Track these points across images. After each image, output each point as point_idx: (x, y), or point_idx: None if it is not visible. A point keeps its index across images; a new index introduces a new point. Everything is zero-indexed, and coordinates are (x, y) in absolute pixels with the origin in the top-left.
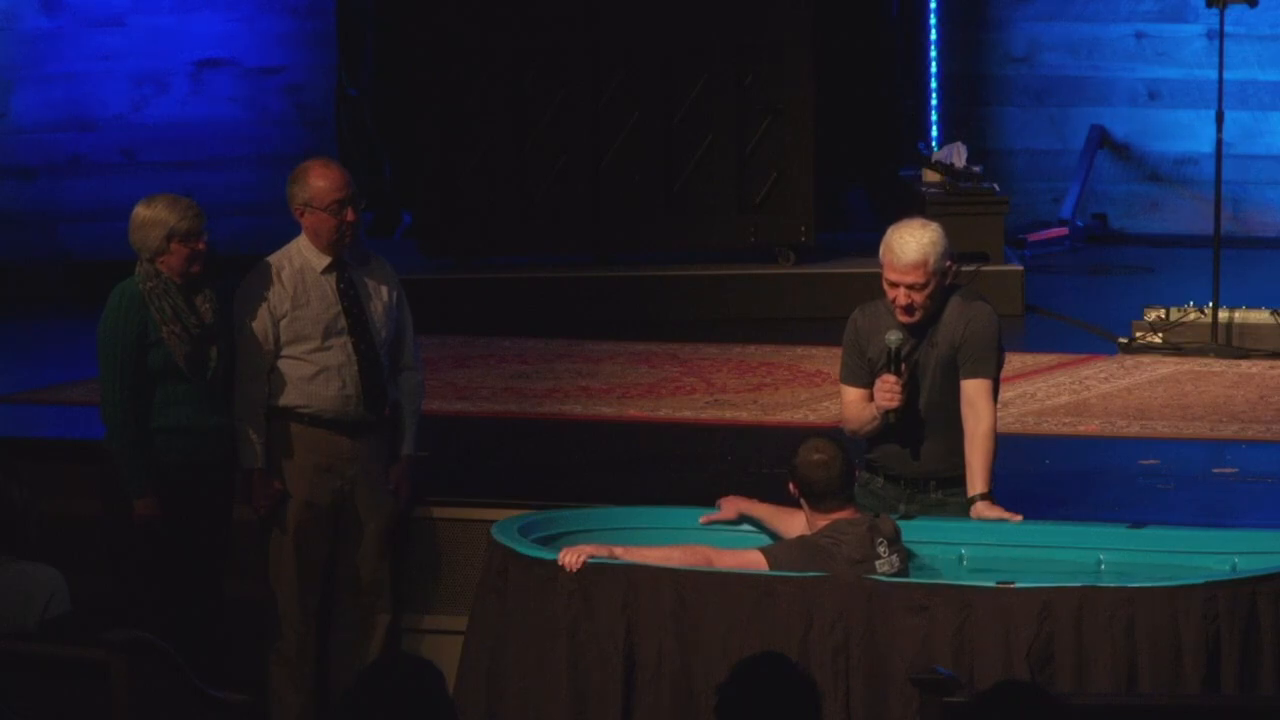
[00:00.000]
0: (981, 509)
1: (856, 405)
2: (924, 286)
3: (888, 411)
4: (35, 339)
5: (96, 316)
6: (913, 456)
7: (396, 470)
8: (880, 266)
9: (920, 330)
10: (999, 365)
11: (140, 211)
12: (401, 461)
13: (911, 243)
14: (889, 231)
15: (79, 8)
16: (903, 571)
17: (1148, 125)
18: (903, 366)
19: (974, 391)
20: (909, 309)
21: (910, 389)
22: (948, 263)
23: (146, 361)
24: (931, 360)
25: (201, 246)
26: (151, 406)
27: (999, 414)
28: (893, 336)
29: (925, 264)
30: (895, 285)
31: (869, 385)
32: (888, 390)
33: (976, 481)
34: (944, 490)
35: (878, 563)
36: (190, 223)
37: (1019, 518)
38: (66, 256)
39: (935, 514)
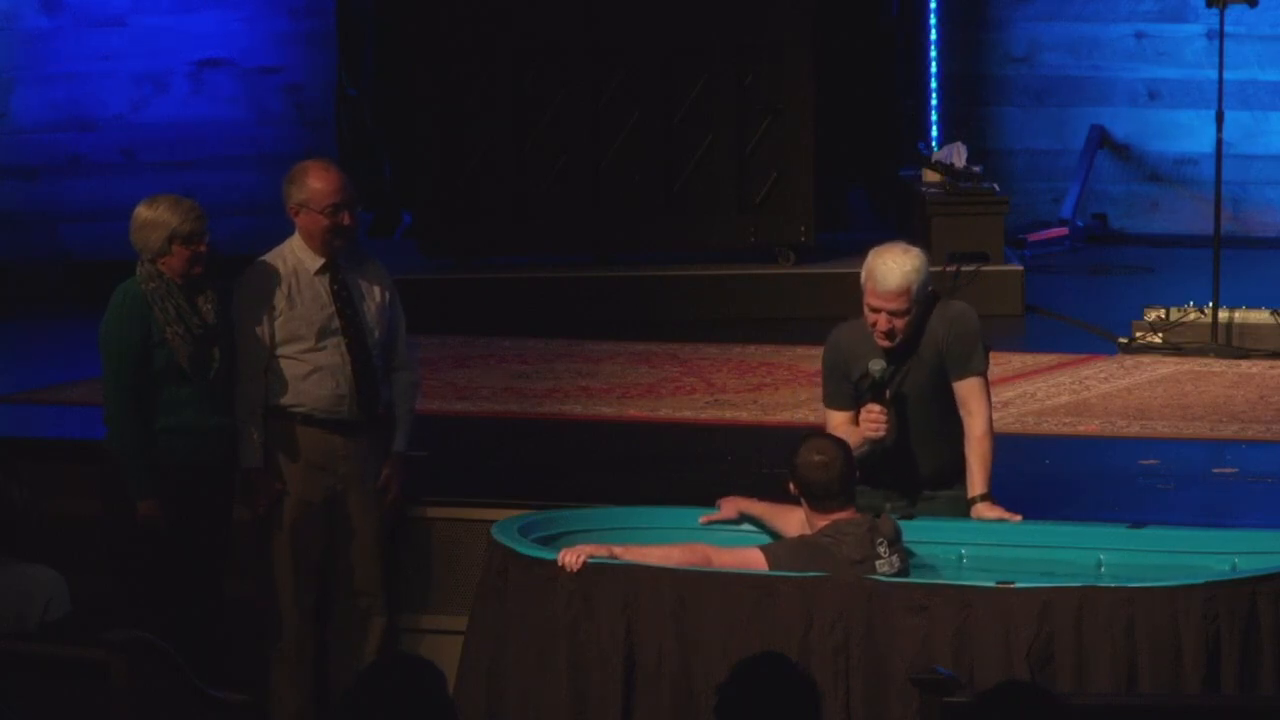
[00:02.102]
0: (982, 509)
1: (842, 430)
2: (905, 313)
3: (876, 441)
4: (35, 339)
5: (96, 316)
6: (905, 473)
7: (386, 468)
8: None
9: (904, 351)
10: (987, 360)
11: (142, 212)
12: (392, 459)
13: (895, 269)
14: (871, 256)
15: (79, 8)
16: (903, 572)
17: (1148, 125)
18: (887, 394)
19: (967, 392)
20: (889, 334)
21: (898, 412)
22: (930, 287)
23: (150, 362)
24: (919, 377)
25: (203, 249)
26: (154, 407)
27: (998, 414)
28: (876, 365)
29: (908, 291)
30: (877, 310)
31: (854, 408)
32: (874, 420)
33: (976, 483)
34: (932, 489)
35: (878, 563)
36: (192, 225)
37: (1019, 518)
38: (66, 256)
39: (925, 508)
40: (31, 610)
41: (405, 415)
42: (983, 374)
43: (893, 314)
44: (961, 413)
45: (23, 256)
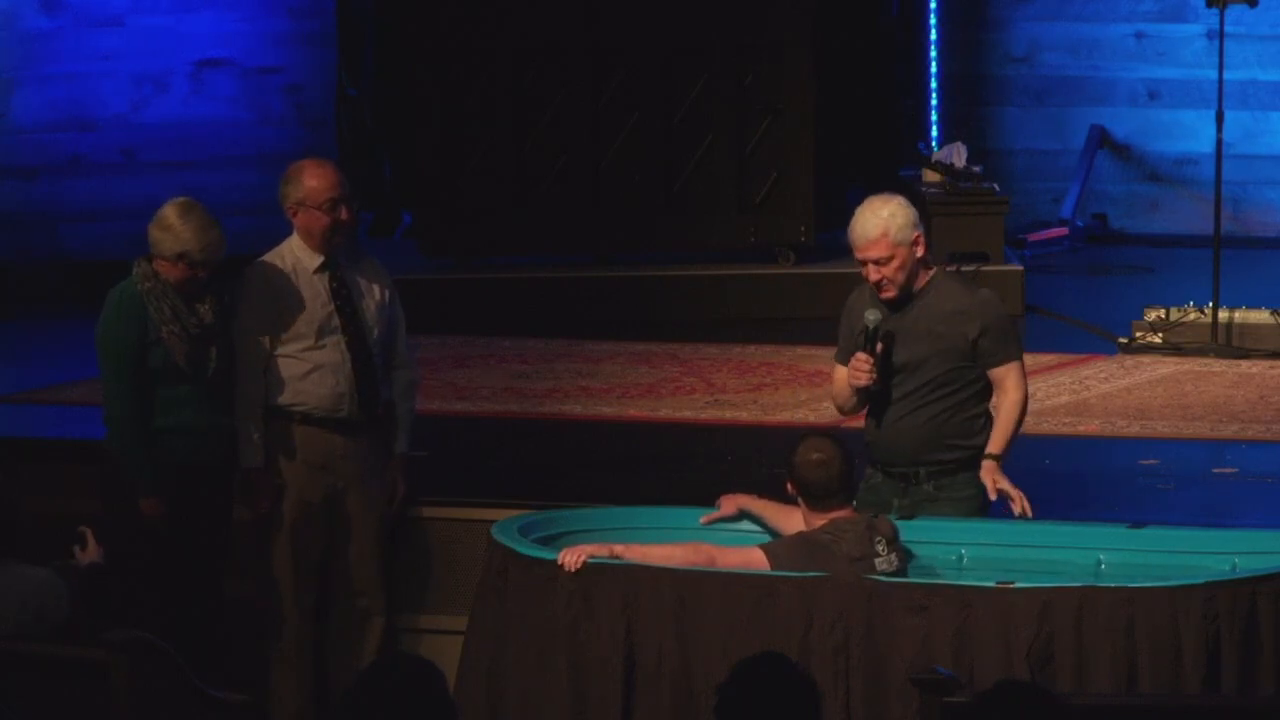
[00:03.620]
0: (988, 468)
1: (841, 382)
2: (889, 260)
3: (859, 389)
4: (35, 339)
5: (96, 317)
6: (897, 438)
7: (390, 468)
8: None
9: (909, 313)
10: (1020, 344)
11: (170, 216)
12: (395, 460)
13: (871, 219)
14: (855, 211)
15: (79, 8)
16: (901, 571)
17: (1148, 125)
18: (878, 346)
19: (1003, 374)
20: (881, 285)
21: (888, 368)
22: (915, 233)
23: (146, 361)
24: (919, 346)
25: (203, 274)
26: (153, 407)
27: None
28: (871, 315)
29: (885, 236)
30: (864, 263)
31: None
32: (857, 367)
33: (993, 440)
34: (934, 482)
35: (876, 560)
36: (207, 255)
37: (1018, 492)
38: (66, 256)
39: (929, 509)
40: (30, 612)
41: (406, 415)
42: (1018, 359)
43: (878, 263)
44: (997, 391)
45: (23, 256)
